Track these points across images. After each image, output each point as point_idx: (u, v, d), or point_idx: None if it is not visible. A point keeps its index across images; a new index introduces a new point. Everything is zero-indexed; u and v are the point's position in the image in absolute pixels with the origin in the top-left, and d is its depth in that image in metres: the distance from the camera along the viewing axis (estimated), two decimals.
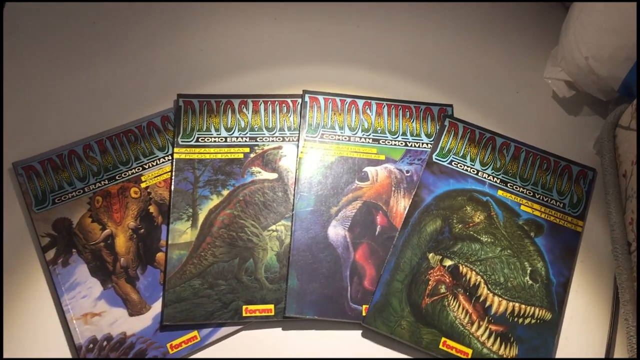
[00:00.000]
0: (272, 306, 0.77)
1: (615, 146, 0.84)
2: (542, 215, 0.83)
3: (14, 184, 0.83)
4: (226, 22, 1.00)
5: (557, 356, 0.75)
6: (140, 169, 0.84)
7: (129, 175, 0.84)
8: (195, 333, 0.75)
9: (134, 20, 0.99)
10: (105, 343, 0.73)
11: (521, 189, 0.85)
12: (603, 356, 0.75)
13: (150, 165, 0.85)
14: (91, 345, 0.73)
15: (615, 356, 0.75)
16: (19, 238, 0.80)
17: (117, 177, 0.84)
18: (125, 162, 0.85)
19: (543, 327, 0.76)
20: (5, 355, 0.72)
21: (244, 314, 0.76)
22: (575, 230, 0.83)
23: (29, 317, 0.75)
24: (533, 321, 0.76)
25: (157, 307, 0.76)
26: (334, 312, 0.76)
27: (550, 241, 0.81)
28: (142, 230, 0.81)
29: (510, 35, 1.01)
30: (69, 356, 0.73)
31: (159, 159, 0.85)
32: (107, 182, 0.83)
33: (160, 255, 0.79)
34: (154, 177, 0.84)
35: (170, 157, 0.85)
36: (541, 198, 0.84)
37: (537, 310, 0.77)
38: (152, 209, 0.82)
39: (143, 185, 0.83)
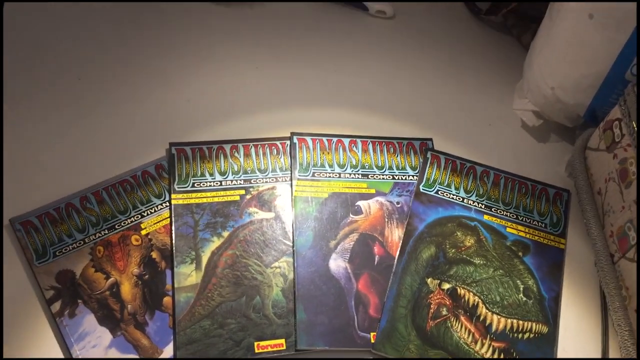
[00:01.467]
0: (283, 340, 0.78)
1: (587, 167, 0.91)
2: (527, 236, 0.88)
3: (12, 239, 0.83)
4: (210, 72, 1.04)
5: None
6: (139, 216, 0.86)
7: (128, 223, 0.85)
8: None
9: (118, 74, 1.01)
10: None
11: (505, 212, 0.90)
12: None
13: (149, 213, 0.86)
14: None
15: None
16: (23, 293, 0.79)
17: (116, 226, 0.84)
18: (124, 211, 0.86)
19: (541, 340, 0.80)
20: None
21: (256, 350, 0.77)
22: (559, 247, 0.88)
23: None
24: (532, 335, 0.80)
25: (169, 351, 0.76)
26: (343, 341, 0.78)
27: (537, 259, 0.86)
28: (147, 276, 0.81)
29: (477, 72, 1.08)
30: None
31: (156, 206, 0.87)
32: (107, 232, 0.84)
33: (167, 300, 0.80)
34: (154, 224, 0.85)
35: (167, 204, 0.87)
36: (524, 220, 0.90)
37: (534, 324, 0.81)
38: (154, 254, 0.83)
39: (143, 232, 0.84)
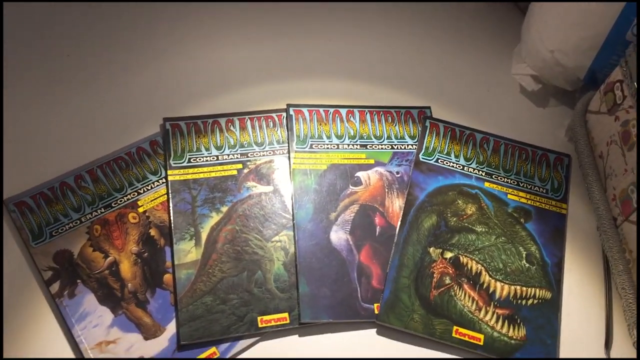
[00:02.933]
0: (286, 314, 0.77)
1: (588, 131, 0.90)
2: (529, 202, 0.88)
3: (7, 220, 0.81)
4: (202, 45, 1.01)
5: (561, 331, 0.79)
6: (136, 194, 0.84)
7: (124, 201, 0.84)
8: (214, 349, 0.75)
9: (109, 50, 0.99)
10: None
11: (505, 179, 0.89)
12: (604, 327, 0.79)
13: (145, 190, 0.85)
14: None
15: (614, 325, 0.79)
16: (20, 274, 0.78)
17: (113, 205, 0.83)
18: (120, 188, 0.84)
19: (545, 306, 0.80)
20: None
21: (259, 325, 0.76)
22: (561, 212, 0.88)
23: (42, 353, 0.73)
24: (535, 301, 0.80)
25: (171, 328, 0.76)
26: (347, 313, 0.78)
27: (539, 225, 0.86)
28: (146, 254, 0.80)
29: (474, 38, 1.07)
30: None
31: (153, 183, 0.85)
32: (103, 211, 0.82)
33: (167, 277, 0.79)
34: (151, 201, 0.84)
35: (164, 180, 0.86)
36: (525, 186, 0.89)
37: (537, 290, 0.81)
38: (153, 232, 0.82)
39: (140, 210, 0.83)
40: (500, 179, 0.89)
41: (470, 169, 0.89)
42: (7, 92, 0.93)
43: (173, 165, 0.86)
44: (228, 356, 0.74)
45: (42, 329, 0.75)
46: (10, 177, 0.84)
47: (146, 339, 0.75)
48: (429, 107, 0.96)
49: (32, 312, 0.76)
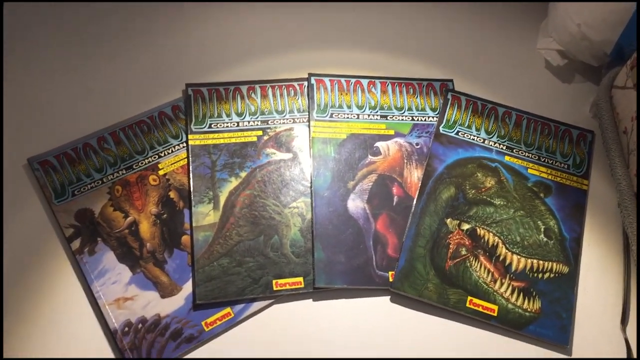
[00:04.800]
0: (301, 279, 0.78)
1: (613, 106, 0.88)
2: (549, 177, 0.87)
3: (30, 179, 0.83)
4: (227, 12, 1.01)
5: (577, 306, 0.78)
6: (157, 157, 0.85)
7: (145, 163, 0.85)
8: (228, 310, 0.76)
9: (136, 15, 1.00)
10: (140, 325, 0.74)
11: (526, 153, 0.88)
12: (621, 303, 0.79)
13: (166, 153, 0.86)
14: (126, 329, 0.73)
15: (631, 302, 0.78)
16: (42, 231, 0.79)
17: (134, 166, 0.84)
18: (141, 151, 0.85)
19: (562, 280, 0.79)
20: (11, 353, 0.73)
21: (274, 288, 0.77)
22: (582, 188, 0.86)
23: (62, 307, 0.75)
24: (552, 275, 0.80)
25: (187, 288, 0.77)
26: (361, 280, 0.78)
27: (559, 200, 0.85)
28: (165, 216, 0.81)
29: (502, 11, 1.05)
30: (106, 340, 0.73)
31: (174, 147, 0.86)
32: (124, 172, 0.84)
33: (185, 238, 0.80)
34: (171, 164, 0.85)
35: (184, 144, 0.86)
36: (546, 161, 0.88)
37: (554, 264, 0.80)
38: (172, 194, 0.83)
39: (161, 172, 0.84)
40: (521, 153, 0.88)
41: (490, 143, 0.89)
42: (36, 55, 0.94)
43: (194, 130, 0.87)
44: (242, 317, 0.75)
45: (62, 284, 0.76)
46: (35, 137, 0.86)
47: (163, 297, 0.76)
48: (451, 80, 0.95)
49: (53, 267, 0.77)
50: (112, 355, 0.73)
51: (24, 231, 0.79)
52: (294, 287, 0.78)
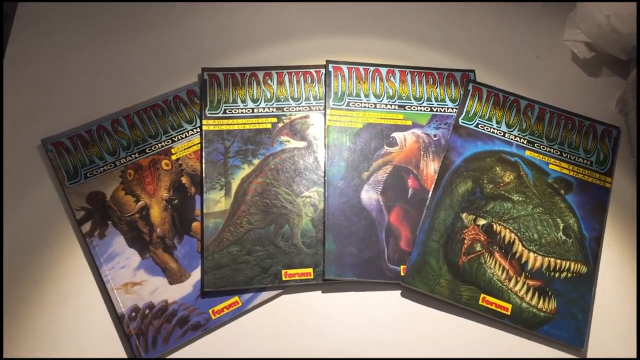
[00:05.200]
0: (310, 270, 0.77)
1: None
2: (571, 173, 0.84)
3: (44, 160, 0.83)
4: None
5: (594, 308, 0.76)
6: (170, 141, 0.84)
7: (158, 148, 0.84)
8: (236, 298, 0.75)
9: None
10: (147, 311, 0.73)
11: (548, 148, 0.86)
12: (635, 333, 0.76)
13: (180, 138, 0.85)
14: (133, 314, 0.73)
15: None
16: (54, 212, 0.79)
17: (147, 150, 0.84)
18: (155, 135, 0.85)
19: (579, 280, 0.77)
20: (11, 349, 0.73)
21: (283, 278, 0.76)
22: (604, 186, 0.84)
23: (70, 290, 0.75)
24: (569, 275, 0.77)
25: (196, 275, 0.76)
26: (372, 273, 0.77)
27: (580, 198, 0.82)
28: (176, 201, 0.81)
29: (527, 3, 1.01)
30: (112, 325, 0.73)
31: (187, 132, 0.85)
32: (137, 156, 0.83)
33: (195, 225, 0.79)
34: (184, 149, 0.84)
35: (198, 130, 0.86)
36: (568, 157, 0.85)
37: (572, 264, 0.78)
38: (184, 180, 0.82)
39: (174, 157, 0.83)
40: (543, 148, 0.86)
41: (511, 136, 0.86)
42: (55, 37, 0.93)
43: (208, 115, 0.86)
44: (250, 306, 0.75)
45: (71, 266, 0.76)
46: (50, 118, 0.85)
47: (171, 283, 0.75)
48: (472, 71, 0.92)
49: (63, 249, 0.77)
50: (117, 341, 0.72)
51: (35, 212, 0.79)
52: (303, 277, 0.76)
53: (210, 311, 0.74)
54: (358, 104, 0.88)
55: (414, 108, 0.89)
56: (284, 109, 0.87)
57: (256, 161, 0.83)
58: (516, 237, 0.79)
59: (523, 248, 0.78)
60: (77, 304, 0.74)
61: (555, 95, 0.91)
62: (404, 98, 0.89)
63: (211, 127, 0.85)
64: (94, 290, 0.75)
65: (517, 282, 0.77)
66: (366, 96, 0.89)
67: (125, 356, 0.72)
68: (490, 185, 0.82)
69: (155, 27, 0.95)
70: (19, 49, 0.92)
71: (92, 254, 0.76)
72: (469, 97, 0.89)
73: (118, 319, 0.73)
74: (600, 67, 0.94)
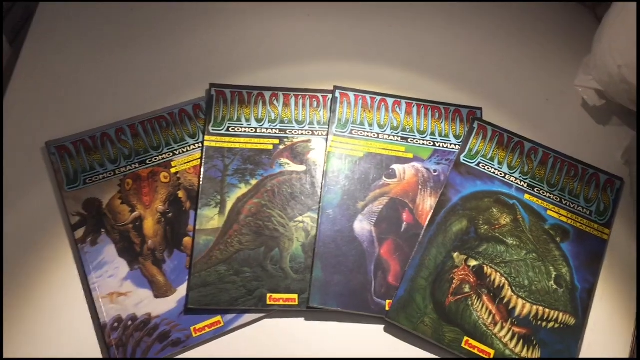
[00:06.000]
0: (296, 296, 0.77)
1: None
2: (569, 221, 0.83)
3: (46, 162, 0.84)
4: (260, 16, 1.00)
5: None
6: (171, 154, 0.85)
7: (159, 160, 0.85)
8: (218, 318, 0.75)
9: (171, 11, 1.00)
10: (130, 322, 0.74)
11: (548, 194, 0.85)
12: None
13: (181, 152, 0.86)
14: (116, 324, 0.73)
15: None
16: (49, 215, 0.80)
17: (147, 161, 0.84)
18: (157, 147, 0.85)
19: (566, 332, 0.76)
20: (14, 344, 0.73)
21: (267, 302, 0.76)
22: (602, 237, 0.83)
23: (56, 294, 0.76)
24: (556, 325, 0.76)
25: (182, 291, 0.76)
26: (357, 305, 0.77)
27: (576, 247, 0.81)
28: (171, 215, 0.81)
29: (542, 42, 1.01)
30: (94, 333, 0.74)
31: (189, 146, 0.86)
32: (137, 166, 0.84)
33: (187, 240, 0.80)
34: (184, 163, 0.85)
35: (200, 145, 0.86)
36: (568, 204, 0.84)
37: (560, 314, 0.77)
38: (181, 194, 0.83)
39: (173, 170, 0.84)
40: (543, 193, 0.85)
41: (512, 178, 0.86)
42: (67, 43, 0.95)
43: (211, 131, 0.87)
44: (231, 327, 0.75)
45: (60, 271, 0.77)
46: (56, 121, 0.87)
47: (156, 297, 0.76)
48: (480, 108, 0.92)
49: (54, 253, 0.78)
50: (97, 349, 0.73)
51: (31, 213, 0.80)
52: (287, 303, 0.76)
53: (192, 328, 0.74)
54: (361, 133, 0.88)
55: (417, 141, 0.88)
56: (287, 132, 0.88)
57: (253, 181, 0.84)
58: (506, 282, 0.78)
59: (512, 293, 0.78)
60: (62, 309, 0.75)
61: (561, 140, 0.90)
62: (408, 130, 0.89)
63: (213, 144, 0.86)
64: (80, 296, 0.75)
65: (502, 327, 0.76)
66: (370, 125, 0.89)
67: None
68: (486, 227, 0.82)
69: (168, 40, 0.96)
70: (34, 51, 0.93)
71: (82, 260, 0.77)
72: (473, 135, 0.89)
73: (100, 328, 0.73)
74: (610, 115, 0.93)
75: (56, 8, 0.98)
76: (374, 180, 0.85)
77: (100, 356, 0.73)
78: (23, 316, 0.74)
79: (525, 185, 0.85)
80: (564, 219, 0.83)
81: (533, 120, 0.93)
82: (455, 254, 0.80)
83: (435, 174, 0.86)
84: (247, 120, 0.88)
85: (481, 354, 0.74)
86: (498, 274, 0.79)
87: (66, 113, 0.88)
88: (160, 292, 0.76)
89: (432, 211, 0.83)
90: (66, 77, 0.92)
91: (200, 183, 0.83)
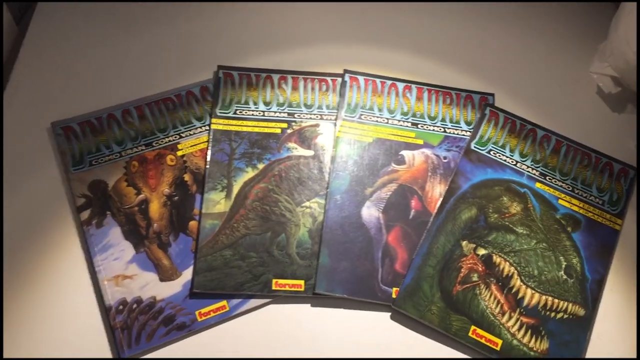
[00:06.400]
0: (302, 282, 0.76)
1: None
2: (580, 211, 0.82)
3: (52, 143, 0.83)
4: None
5: (587, 354, 0.74)
6: (178, 137, 0.84)
7: (165, 142, 0.84)
8: (224, 303, 0.75)
9: None
10: (135, 305, 0.73)
11: (560, 183, 0.83)
12: (635, 356, 0.74)
13: (188, 134, 0.85)
14: (121, 307, 0.73)
15: None
16: (55, 197, 0.80)
17: (154, 144, 0.83)
18: (163, 129, 0.85)
19: (575, 322, 0.75)
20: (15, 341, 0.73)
21: (273, 287, 0.75)
22: (614, 228, 0.81)
23: (61, 276, 0.75)
24: (565, 316, 0.75)
25: (187, 275, 0.76)
26: (364, 292, 0.76)
27: (587, 237, 0.80)
28: (176, 198, 0.80)
29: (556, 29, 0.99)
30: (99, 316, 0.73)
31: (196, 129, 0.85)
32: (144, 148, 0.83)
33: (193, 224, 0.79)
34: (191, 146, 0.84)
35: (207, 128, 0.85)
36: (580, 193, 0.83)
37: (570, 305, 0.76)
38: (187, 177, 0.82)
39: (179, 153, 0.83)
40: (555, 181, 0.83)
41: (523, 166, 0.84)
42: (74, 24, 0.94)
43: (219, 114, 0.86)
44: (237, 312, 0.74)
45: (65, 253, 0.76)
46: (62, 101, 0.86)
47: (161, 280, 0.75)
48: (492, 94, 0.90)
49: (60, 235, 0.77)
50: (102, 332, 0.72)
51: (36, 194, 0.80)
52: (293, 289, 0.76)
53: (196, 313, 0.74)
54: (370, 118, 0.87)
55: (427, 127, 0.87)
56: (295, 115, 0.87)
57: (261, 165, 0.83)
58: (515, 271, 0.77)
59: (521, 283, 0.76)
60: (67, 291, 0.74)
61: (574, 127, 0.88)
62: (418, 116, 0.88)
63: (220, 127, 0.85)
64: (85, 279, 0.75)
65: (510, 317, 0.75)
66: (380, 110, 0.88)
67: (107, 348, 0.72)
68: (495, 215, 0.80)
69: (177, 21, 0.95)
70: (41, 30, 0.92)
71: (87, 242, 0.76)
72: (484, 122, 0.87)
73: (105, 311, 0.73)
74: (625, 103, 0.91)
75: None
76: (382, 166, 0.83)
77: (105, 339, 0.72)
78: (28, 298, 0.74)
79: (537, 174, 0.84)
80: (576, 209, 0.82)
81: (546, 107, 0.91)
82: (464, 243, 0.79)
83: (445, 160, 0.85)
84: (255, 104, 0.87)
85: (488, 344, 0.73)
86: (507, 263, 0.77)
87: (72, 93, 0.87)
88: (165, 275, 0.76)
89: (441, 198, 0.81)
90: (73, 57, 0.91)
91: (207, 166, 0.82)
